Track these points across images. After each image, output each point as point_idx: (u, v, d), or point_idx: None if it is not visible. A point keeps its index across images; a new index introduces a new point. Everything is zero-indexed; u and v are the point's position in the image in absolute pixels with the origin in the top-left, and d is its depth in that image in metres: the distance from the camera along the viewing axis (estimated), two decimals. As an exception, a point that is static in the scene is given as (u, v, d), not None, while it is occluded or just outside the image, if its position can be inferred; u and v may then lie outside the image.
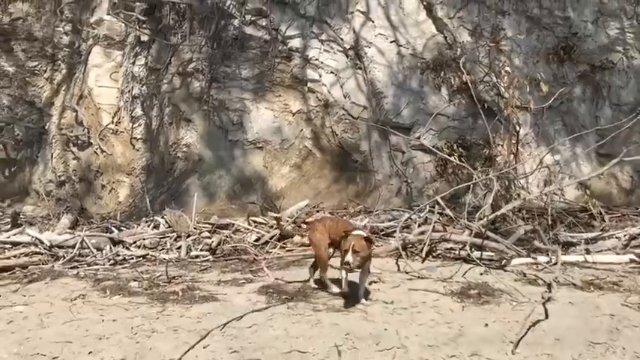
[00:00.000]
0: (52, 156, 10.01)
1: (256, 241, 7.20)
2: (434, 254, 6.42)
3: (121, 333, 4.02)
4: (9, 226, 8.34)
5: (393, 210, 8.39)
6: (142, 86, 9.48)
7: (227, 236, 7.18)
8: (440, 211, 7.09)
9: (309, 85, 9.23)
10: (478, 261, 5.81)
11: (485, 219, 6.38)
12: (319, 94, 9.18)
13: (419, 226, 7.55)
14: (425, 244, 6.27)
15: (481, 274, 5.56)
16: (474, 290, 4.91)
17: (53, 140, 10.02)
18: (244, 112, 9.18)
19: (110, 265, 6.33)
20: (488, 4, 9.26)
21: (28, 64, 9.95)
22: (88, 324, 4.21)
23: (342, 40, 9.25)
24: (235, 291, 5.24)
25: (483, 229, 5.94)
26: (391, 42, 9.27)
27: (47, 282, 5.52)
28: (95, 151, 9.69)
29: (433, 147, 8.85)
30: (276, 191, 9.04)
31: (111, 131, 9.62)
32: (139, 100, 9.54)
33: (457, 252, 6.46)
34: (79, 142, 9.78)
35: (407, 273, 5.72)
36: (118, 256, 6.56)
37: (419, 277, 5.52)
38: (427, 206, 7.70)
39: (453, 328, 4.06)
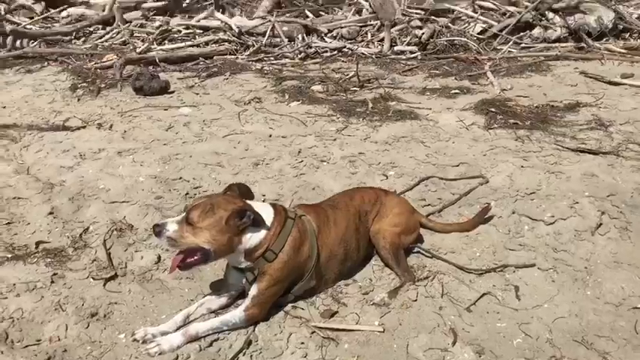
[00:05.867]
0: None
1: (481, 33, 5.49)
2: None
3: (284, 157, 3.05)
4: (212, 7, 7.77)
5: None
6: None
7: (443, 26, 5.56)
8: None
9: None
10: None
11: None
12: None
13: None
14: None
15: None
16: None
17: None
18: None
19: (300, 58, 5.32)
20: None
21: None
22: (248, 140, 3.32)
23: None
24: (444, 105, 3.88)
25: None
26: None
27: (226, 77, 4.75)
28: None
29: None
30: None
31: None
32: None
33: None
34: None
35: None
36: (310, 48, 5.48)
37: None
38: None
39: None
